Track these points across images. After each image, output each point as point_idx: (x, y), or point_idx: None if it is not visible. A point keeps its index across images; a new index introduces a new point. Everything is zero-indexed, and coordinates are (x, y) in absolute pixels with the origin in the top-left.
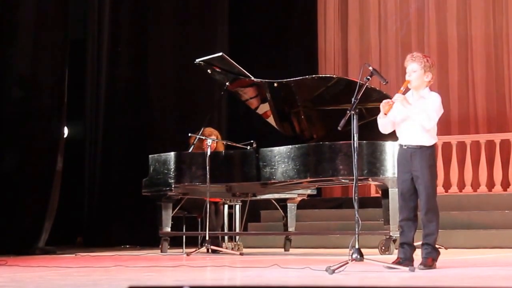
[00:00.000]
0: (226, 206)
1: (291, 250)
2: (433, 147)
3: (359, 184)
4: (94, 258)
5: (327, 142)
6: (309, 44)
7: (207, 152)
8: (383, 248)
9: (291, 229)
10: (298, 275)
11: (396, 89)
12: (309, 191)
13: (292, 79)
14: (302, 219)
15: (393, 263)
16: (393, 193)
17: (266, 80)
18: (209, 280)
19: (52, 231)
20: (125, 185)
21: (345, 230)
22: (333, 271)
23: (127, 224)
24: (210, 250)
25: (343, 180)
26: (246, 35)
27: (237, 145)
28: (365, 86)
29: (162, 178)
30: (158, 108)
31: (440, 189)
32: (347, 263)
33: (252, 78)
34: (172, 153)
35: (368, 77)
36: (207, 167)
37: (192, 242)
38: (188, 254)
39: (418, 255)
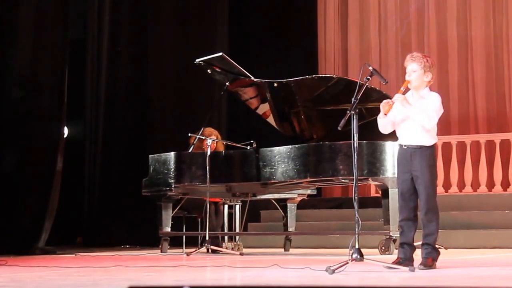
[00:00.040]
0: (226, 206)
1: (291, 250)
2: (433, 147)
3: (359, 184)
4: (94, 258)
5: (327, 142)
6: (309, 44)
7: (207, 152)
8: (383, 248)
9: (291, 229)
10: (298, 275)
11: (396, 89)
12: (309, 191)
13: (292, 79)
14: (302, 219)
15: (393, 263)
16: (393, 193)
17: (266, 80)
18: (209, 280)
19: (52, 231)
20: (125, 185)
21: (345, 230)
22: (333, 271)
23: (127, 224)
24: (210, 250)
25: (343, 180)
26: (246, 35)
27: (237, 145)
28: (365, 86)
29: (162, 178)
30: (158, 108)
31: (440, 189)
32: (347, 263)
33: (252, 78)
34: (172, 153)
35: (368, 77)
36: (207, 167)
37: (192, 242)
38: (188, 254)
39: (418, 255)
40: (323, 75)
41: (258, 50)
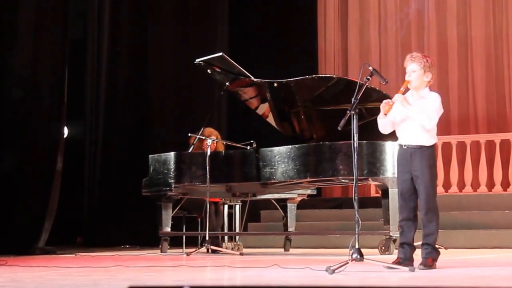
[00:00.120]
0: (226, 206)
1: (291, 250)
2: (433, 147)
3: (359, 184)
4: (94, 258)
5: (327, 142)
6: (309, 44)
7: (207, 152)
8: (383, 248)
9: (291, 229)
10: (298, 275)
11: (396, 89)
12: (309, 191)
13: (292, 79)
14: (302, 219)
15: (393, 263)
16: (393, 193)
17: (266, 80)
18: (209, 280)
19: (52, 231)
20: (125, 185)
21: (345, 230)
22: (333, 271)
23: (127, 224)
24: (210, 250)
25: (343, 180)
26: (246, 35)
27: (237, 145)
28: (365, 86)
29: (162, 178)
30: (158, 108)
31: (440, 189)
32: (347, 263)
33: (252, 78)
34: (172, 153)
35: (368, 77)
36: (207, 167)
37: (192, 242)
38: (188, 254)
39: (418, 255)
40: (323, 75)
41: (258, 50)
